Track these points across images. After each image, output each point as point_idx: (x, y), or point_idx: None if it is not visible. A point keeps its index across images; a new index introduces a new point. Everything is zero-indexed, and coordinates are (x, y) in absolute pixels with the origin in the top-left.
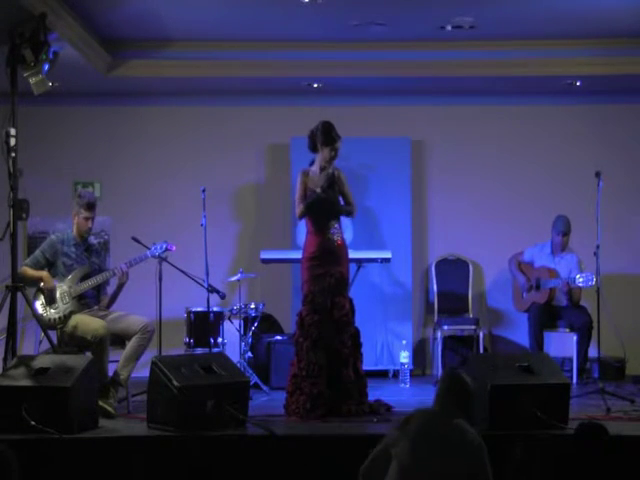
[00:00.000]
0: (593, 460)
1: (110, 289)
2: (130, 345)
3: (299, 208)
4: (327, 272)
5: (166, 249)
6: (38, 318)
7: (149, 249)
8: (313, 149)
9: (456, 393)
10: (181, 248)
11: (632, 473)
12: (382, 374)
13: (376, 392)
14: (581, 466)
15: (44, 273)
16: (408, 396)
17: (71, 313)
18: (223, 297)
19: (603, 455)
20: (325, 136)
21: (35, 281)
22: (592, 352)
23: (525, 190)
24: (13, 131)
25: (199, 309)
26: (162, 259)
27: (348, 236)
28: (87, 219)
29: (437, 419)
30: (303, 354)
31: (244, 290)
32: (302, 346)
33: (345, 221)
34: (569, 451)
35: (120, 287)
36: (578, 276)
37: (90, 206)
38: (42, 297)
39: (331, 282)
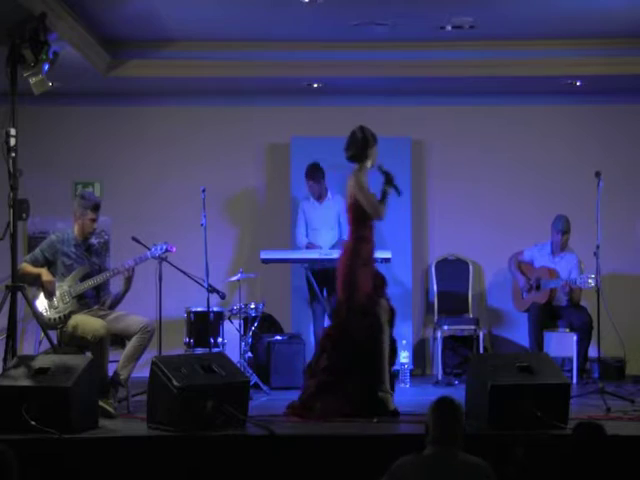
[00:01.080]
0: (592, 460)
1: (113, 289)
2: (130, 345)
3: (380, 209)
4: (375, 274)
5: (166, 250)
6: (38, 318)
7: (149, 249)
8: (361, 156)
9: (452, 419)
10: (181, 248)
11: (632, 473)
12: None
13: None
14: (581, 466)
15: (42, 269)
16: (408, 396)
17: (71, 313)
18: (223, 297)
19: (601, 455)
20: (373, 136)
21: (34, 278)
22: (592, 352)
23: (525, 190)
24: (13, 131)
25: (199, 309)
26: (162, 259)
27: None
28: (93, 220)
29: (444, 460)
30: (343, 358)
31: (244, 290)
32: (343, 349)
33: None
34: (569, 451)
35: (127, 282)
36: (578, 276)
37: (97, 207)
38: (42, 295)
39: (378, 283)
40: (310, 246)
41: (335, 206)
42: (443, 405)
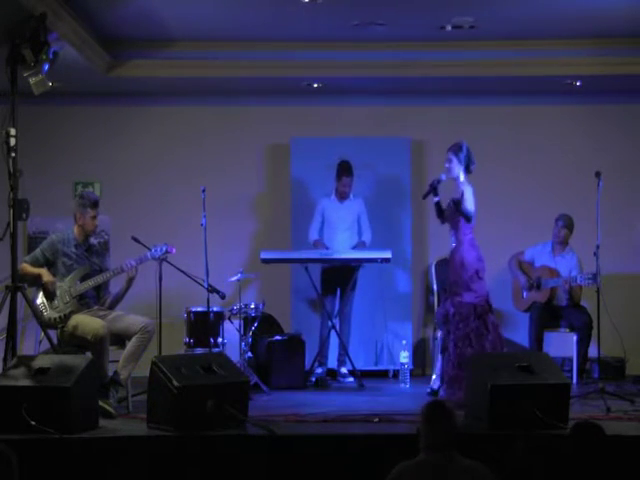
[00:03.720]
0: (591, 460)
1: (113, 289)
2: (130, 345)
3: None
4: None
5: (166, 252)
6: (38, 316)
7: (150, 250)
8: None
9: (445, 424)
10: (181, 248)
11: (632, 473)
12: (382, 374)
13: (376, 392)
14: (581, 466)
15: (42, 270)
16: (408, 396)
17: (71, 313)
18: (223, 297)
19: (600, 455)
20: None
21: (34, 278)
22: (592, 352)
23: (525, 190)
24: (13, 131)
25: (199, 309)
26: (162, 260)
27: (367, 237)
28: (94, 218)
29: (443, 465)
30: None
31: (244, 290)
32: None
33: (366, 224)
34: (569, 451)
35: (129, 282)
36: (579, 274)
37: (96, 204)
38: (42, 294)
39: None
40: (317, 243)
41: (355, 207)
42: (435, 410)
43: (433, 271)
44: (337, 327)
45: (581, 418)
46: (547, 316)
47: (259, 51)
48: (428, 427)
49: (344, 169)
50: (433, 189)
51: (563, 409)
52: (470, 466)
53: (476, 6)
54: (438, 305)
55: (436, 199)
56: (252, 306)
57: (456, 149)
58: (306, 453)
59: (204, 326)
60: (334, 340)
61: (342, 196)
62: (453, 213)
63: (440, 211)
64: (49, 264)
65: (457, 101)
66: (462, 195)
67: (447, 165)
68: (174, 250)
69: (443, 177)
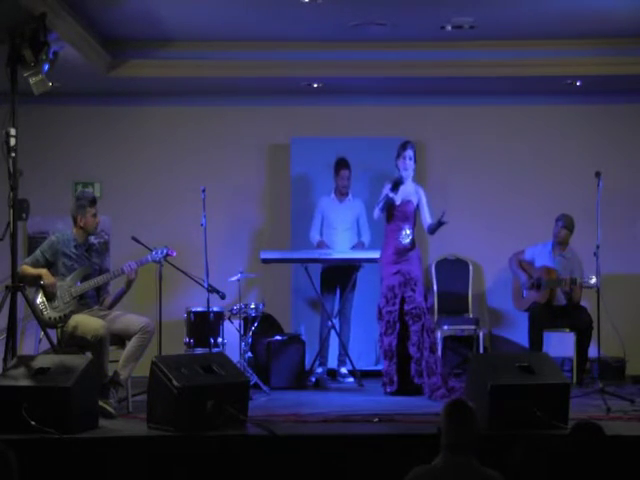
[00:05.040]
0: (590, 460)
1: (113, 289)
2: (130, 345)
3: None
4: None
5: (167, 254)
6: (38, 316)
7: (151, 251)
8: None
9: (466, 424)
10: (181, 248)
11: (632, 473)
12: (382, 374)
13: (376, 392)
14: (581, 466)
15: (43, 270)
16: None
17: (71, 313)
18: (223, 297)
19: (600, 455)
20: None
21: (35, 279)
22: (592, 352)
23: (525, 190)
24: (13, 131)
25: (199, 309)
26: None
27: (366, 238)
28: (95, 215)
29: (460, 471)
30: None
31: (244, 290)
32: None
33: (365, 224)
34: (569, 451)
35: (129, 284)
36: (579, 275)
37: (94, 201)
38: (42, 295)
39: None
40: (321, 244)
41: (355, 208)
42: (457, 409)
43: (433, 271)
44: (337, 327)
45: (581, 418)
46: (547, 316)
47: (259, 51)
48: (448, 425)
49: (341, 163)
50: (395, 185)
51: (563, 409)
52: (490, 475)
53: (476, 6)
54: (439, 305)
55: (393, 195)
56: (252, 306)
57: (414, 148)
58: (306, 453)
59: (204, 326)
60: (334, 340)
61: (342, 192)
62: (414, 211)
63: (389, 207)
64: (49, 265)
65: (457, 101)
66: (421, 200)
67: (409, 162)
68: (175, 253)
69: (404, 174)
